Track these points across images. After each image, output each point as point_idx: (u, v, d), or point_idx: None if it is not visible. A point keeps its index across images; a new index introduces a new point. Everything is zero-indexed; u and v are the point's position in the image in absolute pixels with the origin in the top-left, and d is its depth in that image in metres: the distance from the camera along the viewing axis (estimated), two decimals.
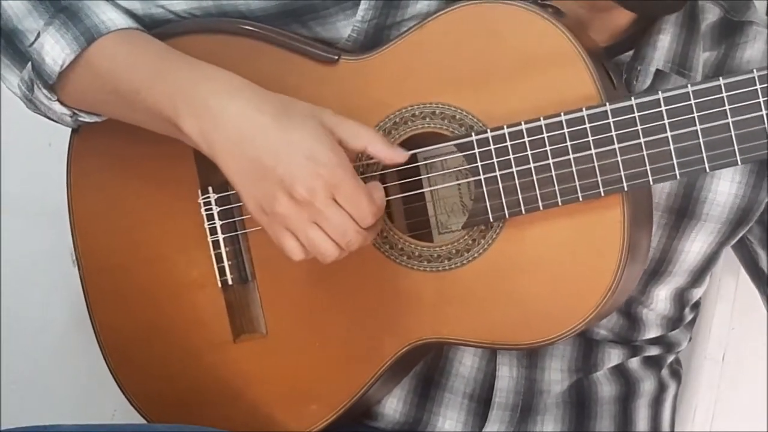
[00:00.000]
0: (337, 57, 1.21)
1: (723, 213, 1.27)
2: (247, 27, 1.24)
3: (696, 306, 1.40)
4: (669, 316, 1.35)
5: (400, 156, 1.16)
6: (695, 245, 1.29)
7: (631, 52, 1.25)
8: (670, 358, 1.40)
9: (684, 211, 1.27)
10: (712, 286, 1.47)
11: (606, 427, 1.34)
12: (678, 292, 1.33)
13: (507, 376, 1.31)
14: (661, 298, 1.32)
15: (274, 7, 1.25)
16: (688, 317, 1.39)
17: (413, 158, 1.19)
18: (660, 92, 1.10)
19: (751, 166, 1.26)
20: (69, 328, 1.27)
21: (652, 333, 1.35)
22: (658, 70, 1.24)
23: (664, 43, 1.24)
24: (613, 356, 1.33)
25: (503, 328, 1.17)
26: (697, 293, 1.36)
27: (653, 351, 1.36)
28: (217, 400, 1.26)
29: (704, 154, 1.10)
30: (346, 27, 1.25)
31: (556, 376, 1.32)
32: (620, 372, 1.34)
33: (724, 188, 1.26)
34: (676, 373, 1.42)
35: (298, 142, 1.12)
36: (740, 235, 1.30)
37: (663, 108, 1.10)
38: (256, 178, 1.13)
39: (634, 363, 1.35)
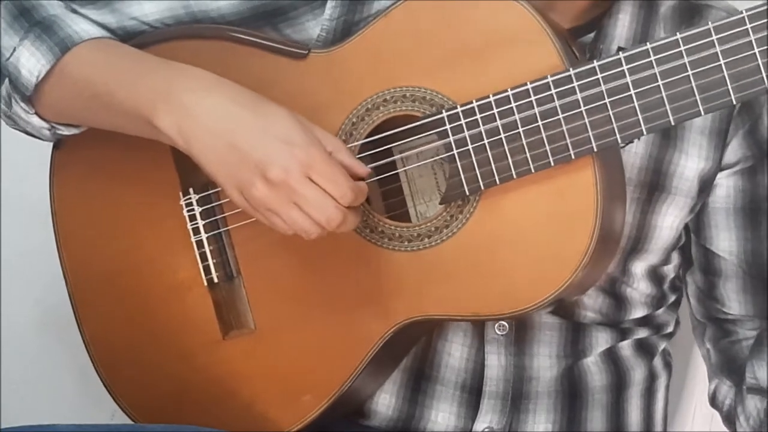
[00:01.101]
0: (306, 51, 1.24)
1: (692, 187, 1.30)
2: (218, 30, 1.27)
3: (676, 288, 1.42)
4: (651, 294, 1.36)
5: (362, 169, 1.19)
6: (667, 219, 1.31)
7: (593, 34, 1.29)
8: (662, 345, 1.41)
9: (655, 185, 1.29)
10: None
11: (598, 416, 1.35)
12: (651, 269, 1.35)
13: (495, 364, 1.31)
14: (639, 275, 1.34)
15: (245, 11, 1.28)
16: (671, 297, 1.40)
17: (386, 142, 1.22)
18: (621, 53, 1.13)
19: (715, 142, 1.30)
20: (69, 328, 1.28)
21: (638, 312, 1.36)
22: (620, 48, 1.27)
23: (624, 22, 1.28)
24: (602, 340, 1.34)
25: (487, 300, 1.19)
26: (668, 271, 1.37)
27: (642, 333, 1.37)
28: (211, 399, 1.27)
29: (668, 108, 1.12)
30: (315, 27, 1.29)
31: (545, 363, 1.33)
32: (612, 360, 1.35)
33: (693, 164, 1.29)
34: (668, 364, 1.43)
35: (272, 128, 1.15)
36: (699, 205, 1.32)
37: (624, 67, 1.13)
38: (234, 166, 1.15)
39: (626, 350, 1.36)
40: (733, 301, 1.34)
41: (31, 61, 1.23)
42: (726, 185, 1.31)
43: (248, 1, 1.28)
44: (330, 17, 1.28)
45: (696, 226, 1.35)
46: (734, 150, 1.30)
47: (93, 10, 1.28)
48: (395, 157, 1.23)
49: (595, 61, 1.14)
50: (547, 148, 1.15)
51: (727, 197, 1.32)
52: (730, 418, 1.34)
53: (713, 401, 1.37)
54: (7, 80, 1.24)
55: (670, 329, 1.42)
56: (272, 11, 1.29)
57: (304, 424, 1.24)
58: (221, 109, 1.16)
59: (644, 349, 1.38)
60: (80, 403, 1.30)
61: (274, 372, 1.25)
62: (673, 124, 1.13)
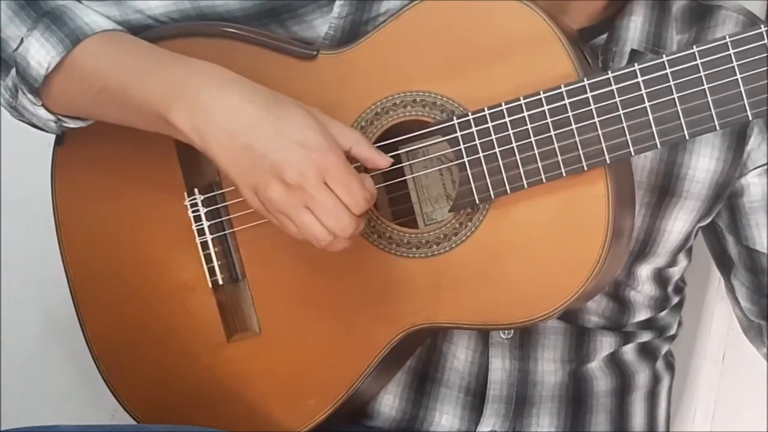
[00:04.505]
0: (315, 52, 1.22)
1: (703, 190, 1.29)
2: (226, 29, 1.25)
3: (680, 290, 1.41)
4: (655, 297, 1.36)
5: (383, 160, 1.18)
6: (677, 224, 1.30)
7: (605, 36, 1.28)
8: (665, 348, 1.40)
9: (666, 189, 1.28)
10: (711, 286, 1.48)
11: (602, 420, 1.35)
12: (657, 271, 1.34)
13: (500, 368, 1.31)
14: (644, 278, 1.33)
15: (252, 7, 1.26)
16: (674, 299, 1.40)
17: (394, 147, 1.21)
18: (636, 64, 1.12)
19: (728, 143, 1.28)
20: (69, 328, 1.27)
21: (641, 315, 1.36)
22: (633, 51, 1.26)
23: (636, 24, 1.27)
24: (606, 344, 1.34)
25: (495, 309, 1.18)
26: (674, 273, 1.37)
27: (645, 337, 1.37)
28: (213, 401, 1.26)
29: (683, 122, 1.11)
30: (322, 25, 1.27)
31: (549, 367, 1.32)
32: (615, 364, 1.35)
33: (704, 165, 1.28)
34: (671, 365, 1.43)
35: (289, 129, 1.13)
36: (715, 211, 1.32)
37: (639, 79, 1.12)
38: (250, 167, 1.14)
39: (630, 354, 1.36)
40: None
41: (40, 53, 1.20)
42: (760, 183, 1.30)
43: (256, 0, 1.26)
44: (339, 15, 1.26)
45: (733, 227, 1.33)
46: (765, 152, 1.29)
47: (97, 1, 1.25)
48: (404, 164, 1.22)
49: (609, 72, 1.12)
50: (559, 158, 1.14)
51: (762, 194, 1.31)
52: None
53: None
54: (14, 70, 1.22)
55: (672, 331, 1.42)
56: (280, 8, 1.27)
57: (308, 429, 1.23)
58: (237, 108, 1.14)
59: (647, 352, 1.38)
60: (80, 403, 1.29)
61: (279, 376, 1.24)
62: (687, 138, 1.11)
